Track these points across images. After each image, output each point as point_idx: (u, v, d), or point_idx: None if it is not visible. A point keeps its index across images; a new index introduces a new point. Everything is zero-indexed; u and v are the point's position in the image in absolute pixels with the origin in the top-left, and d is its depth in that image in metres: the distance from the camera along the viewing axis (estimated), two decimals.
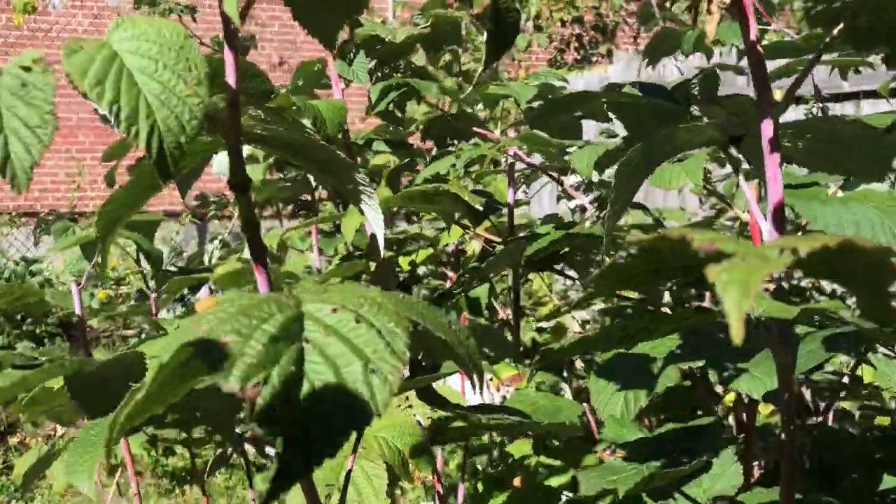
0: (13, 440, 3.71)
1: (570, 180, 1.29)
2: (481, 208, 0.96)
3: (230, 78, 0.46)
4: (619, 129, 0.70)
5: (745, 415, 1.00)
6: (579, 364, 1.16)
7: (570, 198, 1.34)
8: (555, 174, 1.28)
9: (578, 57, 7.99)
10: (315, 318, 0.36)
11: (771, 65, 1.03)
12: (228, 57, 0.46)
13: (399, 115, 1.20)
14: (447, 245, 1.62)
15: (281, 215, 2.44)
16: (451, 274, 1.76)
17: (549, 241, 0.89)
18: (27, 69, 0.36)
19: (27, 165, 0.37)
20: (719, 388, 1.08)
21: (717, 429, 0.68)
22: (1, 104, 0.36)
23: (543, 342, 2.21)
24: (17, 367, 0.66)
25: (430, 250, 1.70)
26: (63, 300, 1.59)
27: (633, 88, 0.64)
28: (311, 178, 1.38)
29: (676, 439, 0.65)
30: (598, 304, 2.21)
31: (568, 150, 1.08)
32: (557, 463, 0.93)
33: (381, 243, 0.54)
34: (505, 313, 1.80)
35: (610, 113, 0.69)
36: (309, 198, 2.04)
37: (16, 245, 5.92)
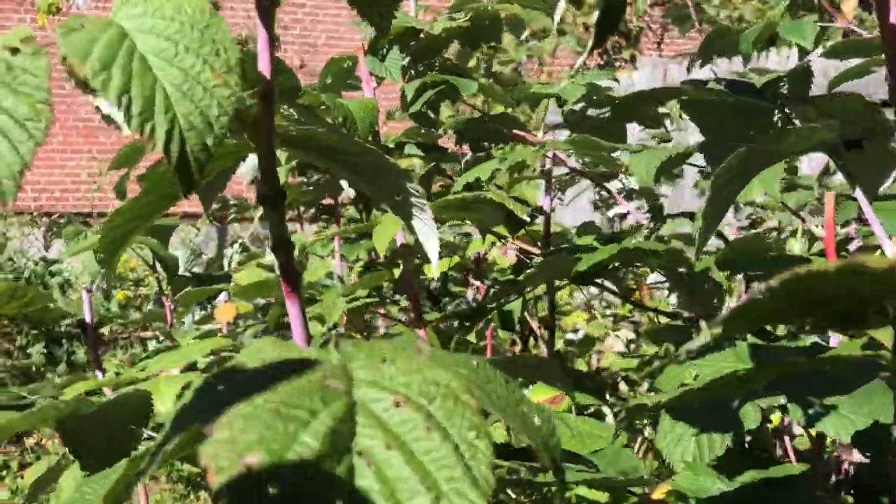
0: (30, 441, 3.68)
1: (614, 187, 1.21)
2: (528, 218, 0.89)
3: (263, 65, 0.38)
4: (692, 131, 0.62)
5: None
6: (623, 387, 1.08)
7: (609, 206, 1.27)
8: (595, 180, 1.20)
9: (602, 62, 7.90)
10: (371, 415, 0.27)
11: (839, 66, 0.95)
12: (262, 35, 0.38)
13: (432, 116, 1.12)
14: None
15: (302, 219, 2.37)
16: (473, 281, 1.69)
17: (604, 255, 0.81)
18: (14, 50, 0.29)
19: (15, 169, 0.29)
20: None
21: (807, 481, 0.59)
22: None
23: (566, 351, 2.16)
24: (4, 408, 0.59)
25: (457, 258, 1.63)
26: (76, 305, 1.54)
27: (719, 84, 0.56)
28: (345, 184, 1.30)
29: (756, 489, 0.57)
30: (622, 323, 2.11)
31: (612, 154, 1.01)
32: (603, 498, 0.85)
33: (435, 262, 0.46)
34: (535, 325, 1.72)
35: (683, 111, 0.62)
36: (332, 201, 1.97)
37: (36, 245, 5.93)
